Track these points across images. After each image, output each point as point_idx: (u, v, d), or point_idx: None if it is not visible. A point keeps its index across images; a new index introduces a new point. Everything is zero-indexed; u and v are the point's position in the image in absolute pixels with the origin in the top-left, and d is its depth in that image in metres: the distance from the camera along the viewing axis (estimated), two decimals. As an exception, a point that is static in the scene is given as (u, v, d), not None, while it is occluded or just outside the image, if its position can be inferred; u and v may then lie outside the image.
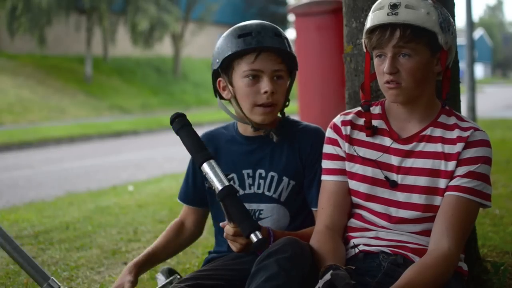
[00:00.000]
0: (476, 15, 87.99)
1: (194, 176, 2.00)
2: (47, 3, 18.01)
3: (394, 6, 1.62)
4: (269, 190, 1.88)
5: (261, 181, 1.88)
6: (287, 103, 1.91)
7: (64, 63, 20.49)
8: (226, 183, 1.59)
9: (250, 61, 1.80)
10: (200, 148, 1.66)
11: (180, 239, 2.05)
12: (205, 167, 1.62)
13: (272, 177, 1.87)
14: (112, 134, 13.30)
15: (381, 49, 1.65)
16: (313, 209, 1.88)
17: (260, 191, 1.88)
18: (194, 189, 2.01)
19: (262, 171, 1.88)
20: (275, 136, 1.87)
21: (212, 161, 1.63)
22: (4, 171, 8.20)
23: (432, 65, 1.68)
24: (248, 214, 1.57)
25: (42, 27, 18.48)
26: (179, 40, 23.32)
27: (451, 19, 1.68)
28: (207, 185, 1.92)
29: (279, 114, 1.93)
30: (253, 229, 1.53)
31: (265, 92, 1.79)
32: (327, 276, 1.48)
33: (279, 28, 1.87)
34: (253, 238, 1.53)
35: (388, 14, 1.61)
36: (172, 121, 1.73)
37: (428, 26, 1.61)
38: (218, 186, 1.59)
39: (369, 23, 1.67)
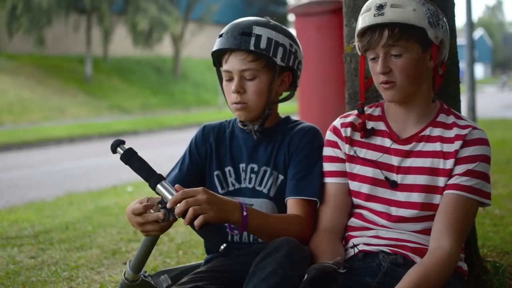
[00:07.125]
0: (476, 15, 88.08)
1: (191, 161, 1.97)
2: (47, 3, 18.02)
3: (380, 7, 1.65)
4: (260, 185, 1.88)
5: (253, 175, 1.89)
6: (279, 98, 1.90)
7: (64, 63, 20.50)
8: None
9: (225, 61, 1.85)
10: (151, 172, 1.64)
11: None
12: (159, 187, 1.61)
13: (265, 171, 1.87)
14: (112, 134, 13.27)
15: (372, 50, 1.68)
16: (288, 198, 1.81)
17: (251, 186, 1.88)
18: (187, 176, 1.96)
19: (255, 166, 1.89)
20: (254, 134, 1.88)
21: (163, 182, 1.61)
22: (4, 171, 8.20)
23: (425, 61, 1.68)
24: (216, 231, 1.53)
25: (41, 27, 18.47)
26: (179, 40, 23.33)
27: (440, 13, 1.69)
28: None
29: (280, 114, 1.94)
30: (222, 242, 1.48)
31: (233, 92, 1.83)
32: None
33: (259, 23, 1.82)
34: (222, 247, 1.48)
35: (375, 16, 1.65)
36: (115, 150, 1.67)
37: (416, 23, 1.62)
38: (169, 198, 1.58)
39: (359, 26, 1.70)
